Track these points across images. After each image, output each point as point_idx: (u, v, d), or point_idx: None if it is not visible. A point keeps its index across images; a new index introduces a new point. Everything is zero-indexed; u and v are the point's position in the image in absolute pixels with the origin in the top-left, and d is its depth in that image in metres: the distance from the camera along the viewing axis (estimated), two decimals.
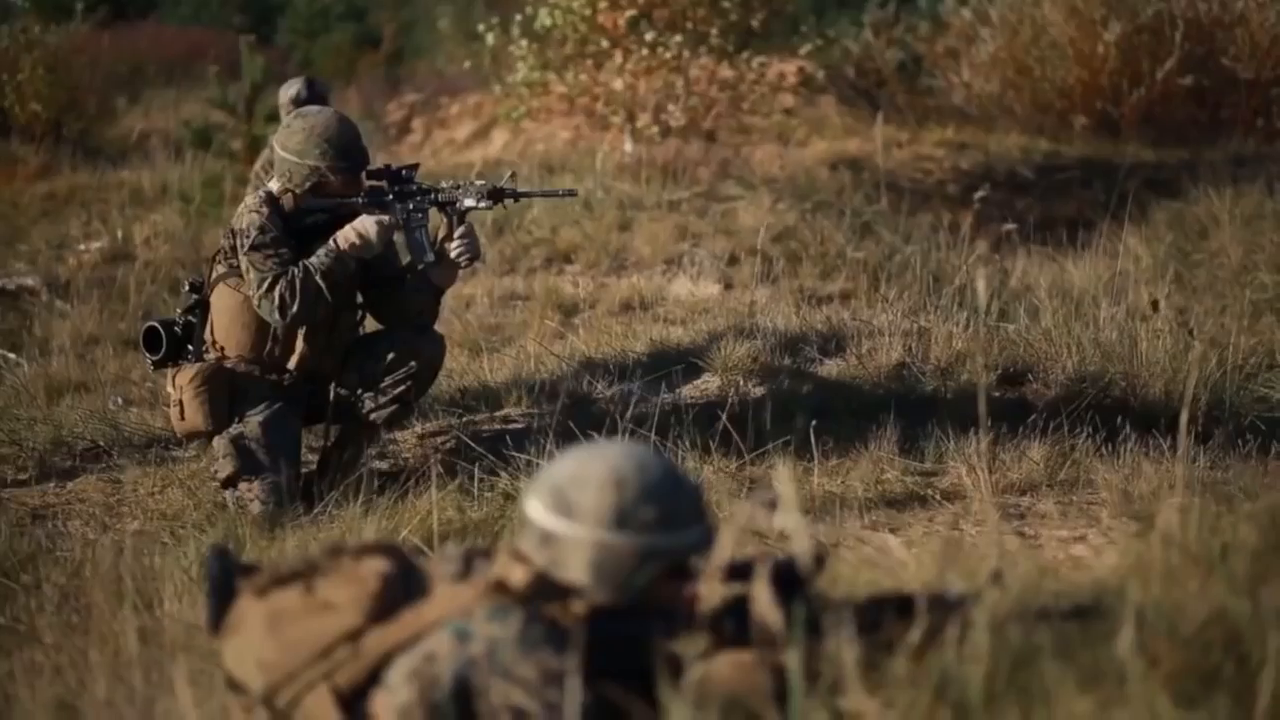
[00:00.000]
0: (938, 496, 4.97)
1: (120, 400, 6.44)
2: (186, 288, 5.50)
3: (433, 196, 5.30)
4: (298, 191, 5.22)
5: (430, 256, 5.27)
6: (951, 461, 5.23)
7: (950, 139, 12.56)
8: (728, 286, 8.00)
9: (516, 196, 5.37)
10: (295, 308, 5.13)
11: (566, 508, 2.55)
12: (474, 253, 5.34)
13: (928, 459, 5.32)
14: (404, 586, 2.59)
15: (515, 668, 2.44)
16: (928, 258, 8.43)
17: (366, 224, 5.16)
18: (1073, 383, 5.85)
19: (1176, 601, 2.63)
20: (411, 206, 5.26)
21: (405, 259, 5.30)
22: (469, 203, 5.29)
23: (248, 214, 5.19)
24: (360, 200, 5.25)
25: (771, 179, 10.59)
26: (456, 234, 5.29)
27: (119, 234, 9.48)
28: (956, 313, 6.53)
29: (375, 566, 2.60)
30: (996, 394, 5.88)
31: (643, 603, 2.60)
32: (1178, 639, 2.53)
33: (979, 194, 10.40)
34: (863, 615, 2.59)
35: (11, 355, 7.33)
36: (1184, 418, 2.66)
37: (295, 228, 5.23)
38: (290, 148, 5.21)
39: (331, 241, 5.17)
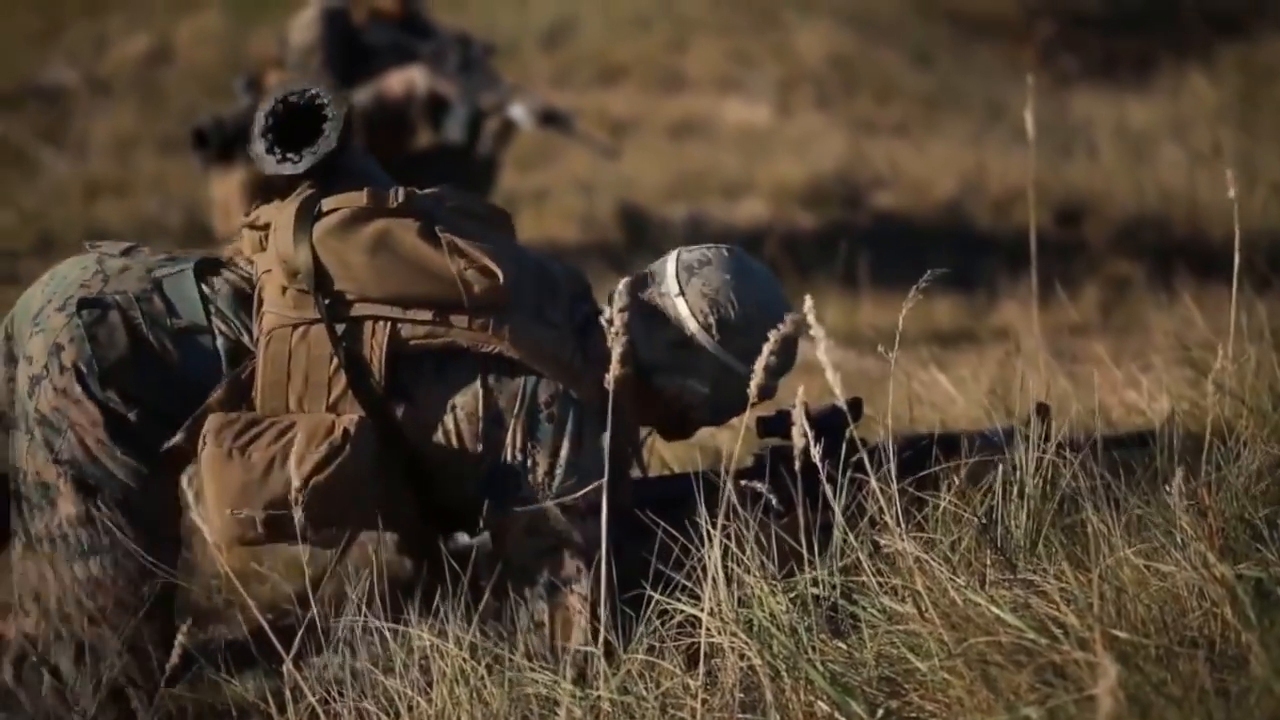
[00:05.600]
0: (988, 334, 4.88)
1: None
2: (239, 88, 5.39)
3: (490, 95, 5.17)
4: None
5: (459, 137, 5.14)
6: (1004, 299, 5.13)
7: None
8: (781, 111, 7.83)
9: (565, 130, 5.26)
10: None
11: (719, 324, 2.50)
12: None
13: (979, 296, 5.21)
14: None
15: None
16: (987, 91, 8.22)
17: (416, 77, 5.04)
18: (1131, 224, 5.71)
19: (1228, 452, 2.55)
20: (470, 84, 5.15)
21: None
22: (517, 114, 5.16)
23: (303, 29, 5.08)
24: (425, 50, 5.15)
25: (831, 3, 10.31)
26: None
27: (162, 34, 9.32)
28: (1013, 148, 6.37)
29: None
30: (1052, 233, 5.74)
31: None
32: (1229, 490, 2.46)
33: (1042, 27, 10.11)
34: (906, 453, 2.53)
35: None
36: (1237, 260, 2.55)
37: (356, 44, 5.13)
38: None
39: (378, 85, 5.05)
